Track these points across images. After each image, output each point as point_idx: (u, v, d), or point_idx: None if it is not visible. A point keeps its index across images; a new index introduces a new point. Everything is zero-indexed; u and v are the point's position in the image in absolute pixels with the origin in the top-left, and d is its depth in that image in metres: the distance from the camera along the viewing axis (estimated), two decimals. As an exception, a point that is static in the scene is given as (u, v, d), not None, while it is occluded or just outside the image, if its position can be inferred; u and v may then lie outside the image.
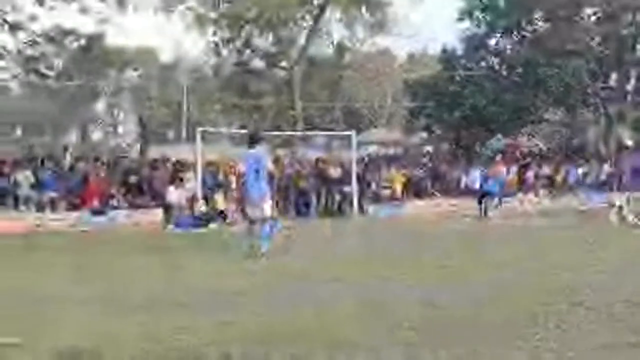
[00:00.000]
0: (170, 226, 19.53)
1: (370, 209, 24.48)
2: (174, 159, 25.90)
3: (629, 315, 6.58)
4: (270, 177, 12.56)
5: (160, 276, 9.92)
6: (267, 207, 12.26)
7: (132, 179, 22.65)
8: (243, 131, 40.62)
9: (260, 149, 12.64)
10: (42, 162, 23.14)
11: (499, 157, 26.94)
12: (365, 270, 9.96)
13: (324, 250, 13.10)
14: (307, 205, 23.94)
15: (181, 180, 21.46)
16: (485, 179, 23.12)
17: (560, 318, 6.38)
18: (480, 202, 21.84)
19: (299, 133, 31.71)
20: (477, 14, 37.09)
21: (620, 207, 17.08)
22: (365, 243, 14.41)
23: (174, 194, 20.73)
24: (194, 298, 7.79)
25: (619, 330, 5.95)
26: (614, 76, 36.28)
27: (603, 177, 28.80)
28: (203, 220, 19.85)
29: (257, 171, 12.11)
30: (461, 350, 5.33)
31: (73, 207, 21.18)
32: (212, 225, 19.73)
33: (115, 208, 21.46)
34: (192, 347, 5.52)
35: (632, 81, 35.82)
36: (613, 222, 16.43)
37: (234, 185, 23.36)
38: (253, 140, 12.61)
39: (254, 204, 12.22)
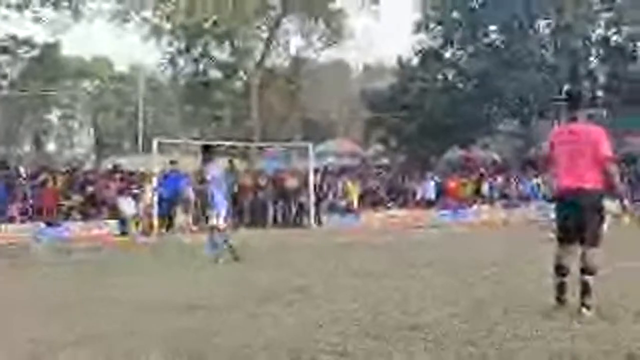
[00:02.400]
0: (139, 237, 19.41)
1: (326, 219, 24.59)
2: (127, 170, 25.78)
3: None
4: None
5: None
6: (225, 217, 12.61)
7: (87, 190, 22.41)
8: (200, 142, 40.60)
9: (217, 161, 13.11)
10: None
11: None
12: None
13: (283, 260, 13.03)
14: (264, 215, 24.02)
15: (134, 192, 21.45)
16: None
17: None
18: None
19: (256, 144, 31.61)
20: (433, 26, 37.49)
21: None
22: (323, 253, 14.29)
23: (125, 205, 20.69)
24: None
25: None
26: (567, 88, 36.81)
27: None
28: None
29: (220, 182, 12.43)
30: None
31: (28, 218, 20.91)
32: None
33: (70, 219, 21.23)
34: None
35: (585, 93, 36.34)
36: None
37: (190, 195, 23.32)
38: (211, 152, 12.84)
39: (218, 212, 12.37)
